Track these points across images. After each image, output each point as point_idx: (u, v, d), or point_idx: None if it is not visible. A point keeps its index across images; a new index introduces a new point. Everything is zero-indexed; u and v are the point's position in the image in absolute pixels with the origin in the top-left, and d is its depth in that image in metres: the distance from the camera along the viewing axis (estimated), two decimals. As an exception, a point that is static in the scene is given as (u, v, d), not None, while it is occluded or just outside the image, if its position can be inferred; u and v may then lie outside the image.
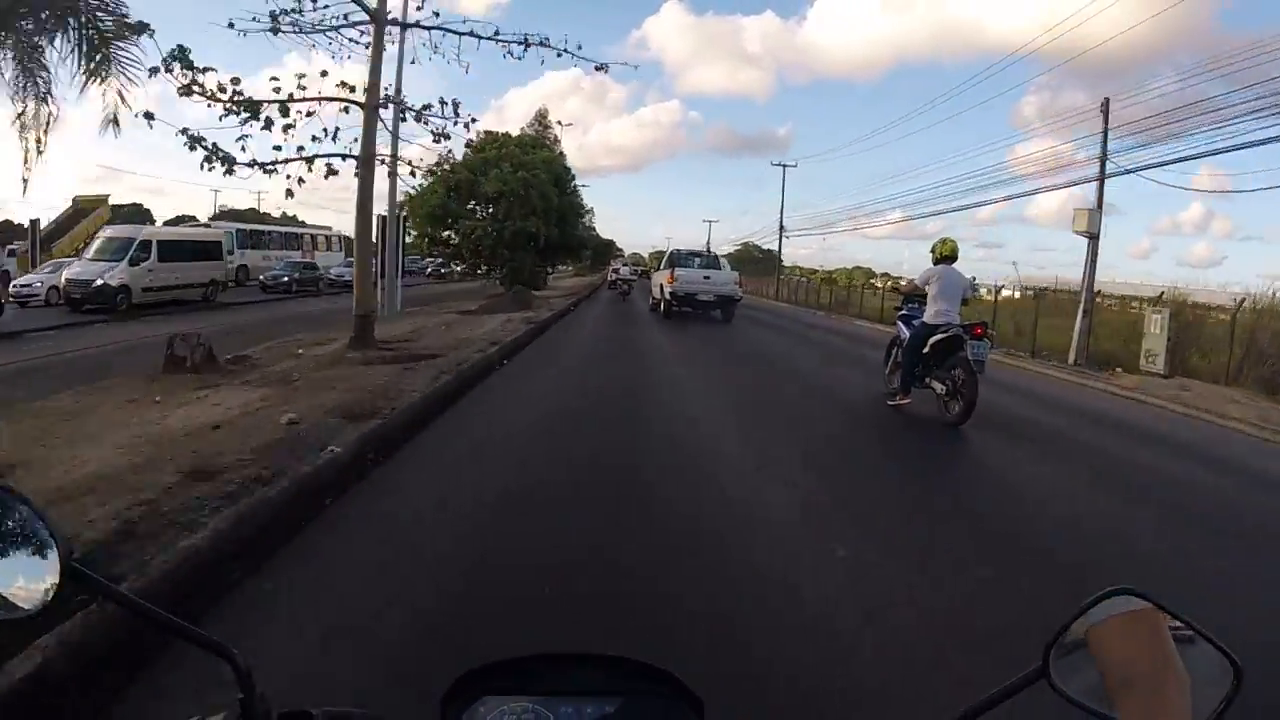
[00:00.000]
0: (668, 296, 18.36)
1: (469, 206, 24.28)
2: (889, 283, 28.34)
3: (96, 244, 18.85)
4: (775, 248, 60.45)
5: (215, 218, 38.01)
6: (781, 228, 45.87)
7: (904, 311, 8.11)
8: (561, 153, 30.49)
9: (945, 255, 7.46)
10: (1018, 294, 25.92)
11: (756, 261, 62.64)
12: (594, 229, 53.25)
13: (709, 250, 23.08)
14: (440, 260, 32.64)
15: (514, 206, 23.01)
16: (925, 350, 7.17)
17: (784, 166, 45.23)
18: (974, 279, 8.27)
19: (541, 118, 40.29)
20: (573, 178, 29.82)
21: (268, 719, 0.59)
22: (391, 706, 2.01)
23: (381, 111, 9.09)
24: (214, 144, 8.19)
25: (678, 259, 19.15)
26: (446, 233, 24.49)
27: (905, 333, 7.74)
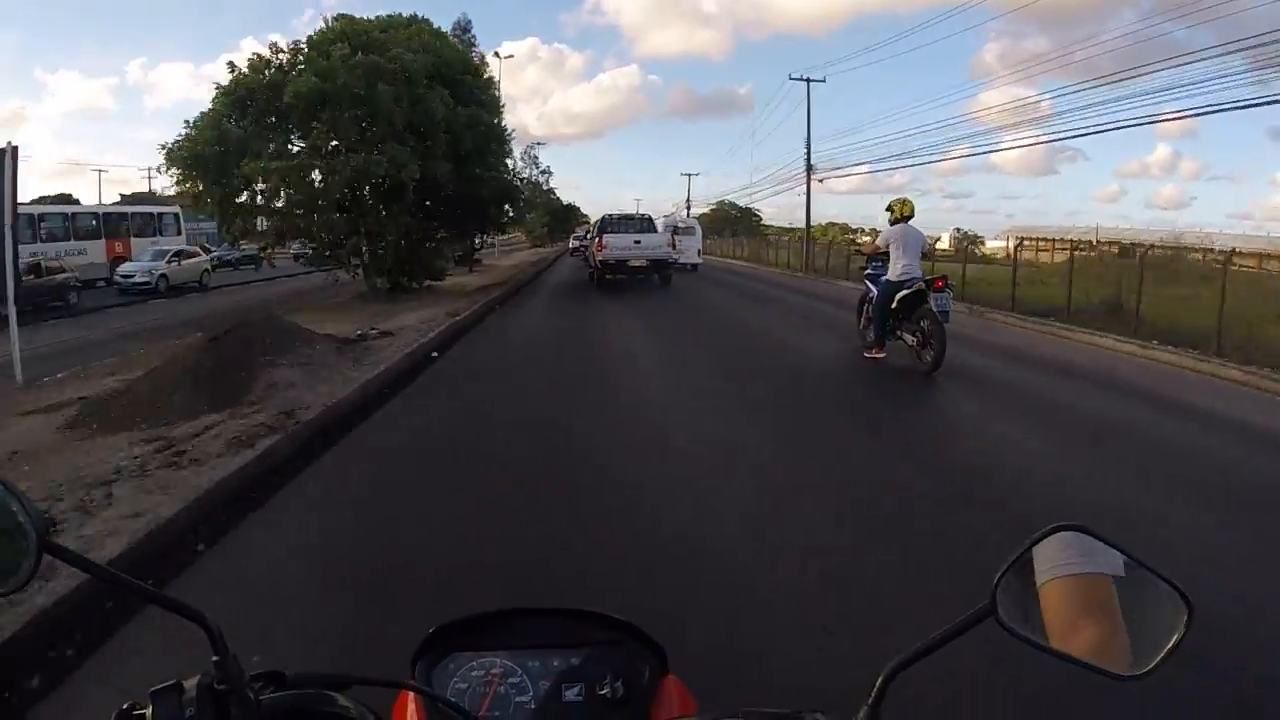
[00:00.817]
0: (598, 264, 17.84)
1: (283, 139, 14.26)
2: (852, 244, 28.50)
3: None
4: (751, 206, 60.36)
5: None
6: (810, 167, 32.30)
7: (869, 271, 8.83)
8: (493, 82, 18.75)
9: (905, 215, 8.06)
10: (1011, 244, 26.20)
11: (733, 220, 61.57)
12: (553, 191, 50.05)
13: (644, 213, 20.81)
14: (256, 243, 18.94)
15: (351, 126, 13.07)
16: (893, 305, 7.77)
17: (808, 81, 32.14)
18: (935, 239, 9.73)
19: (463, 30, 30.84)
20: (488, 80, 18.28)
21: (240, 680, 0.61)
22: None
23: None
24: None
25: (607, 224, 18.36)
26: (245, 191, 14.14)
27: (873, 290, 8.34)
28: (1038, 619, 0.65)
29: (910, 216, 8.09)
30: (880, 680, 0.65)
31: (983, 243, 48.64)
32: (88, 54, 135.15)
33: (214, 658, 0.61)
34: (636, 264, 17.44)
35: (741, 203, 61.43)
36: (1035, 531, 0.66)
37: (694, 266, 25.16)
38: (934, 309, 7.42)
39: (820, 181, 32.47)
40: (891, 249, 7.93)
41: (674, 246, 21.69)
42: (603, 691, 0.85)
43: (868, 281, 8.73)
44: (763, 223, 62.55)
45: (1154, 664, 0.62)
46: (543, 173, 49.50)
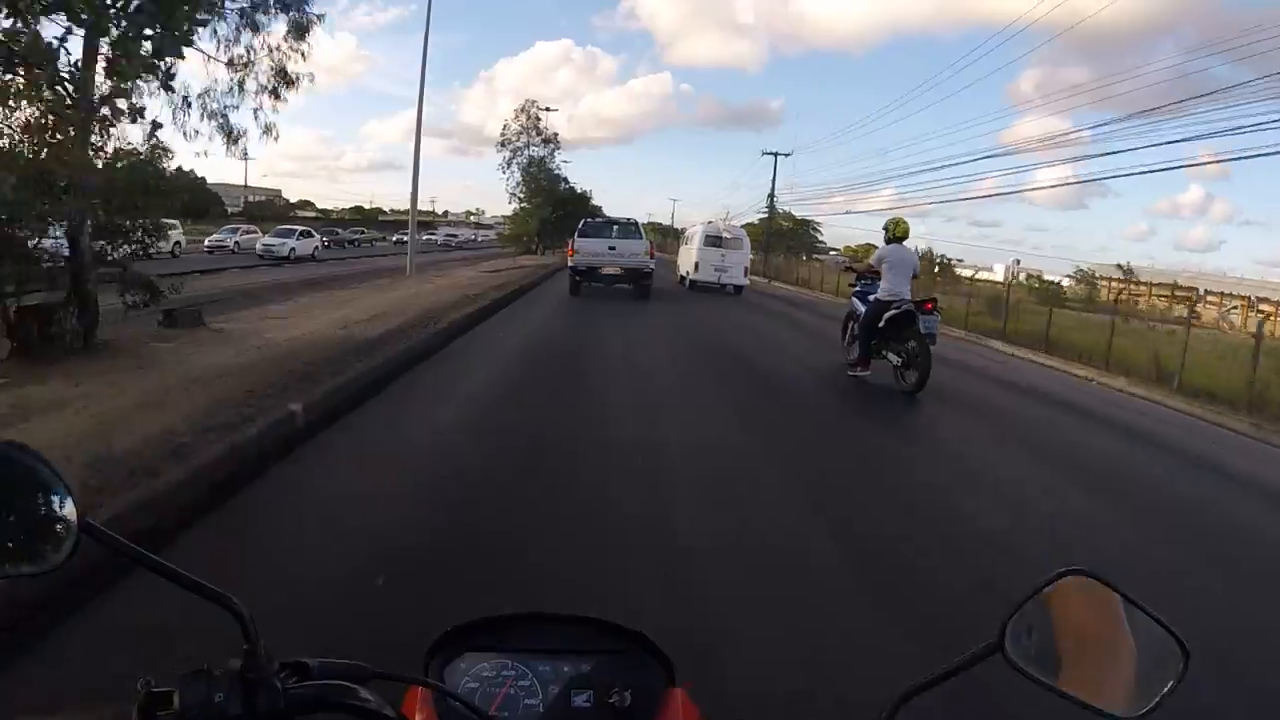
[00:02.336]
0: (569, 269, 17.35)
1: None
2: (843, 264, 28.73)
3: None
4: (805, 216, 54.73)
5: None
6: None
7: (857, 288, 9.07)
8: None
9: (898, 235, 8.24)
10: (1023, 278, 25.85)
11: (782, 235, 52.63)
12: (564, 177, 41.90)
13: (628, 219, 19.47)
14: None
15: None
16: (881, 325, 7.94)
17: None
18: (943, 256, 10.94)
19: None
20: None
21: (269, 668, 0.63)
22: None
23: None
24: None
25: (586, 229, 17.61)
26: None
27: (860, 308, 8.58)
28: (1042, 657, 0.68)
29: (904, 237, 8.26)
30: (891, 706, 0.68)
31: (1042, 279, 44.67)
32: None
33: (244, 645, 0.63)
34: (609, 272, 16.85)
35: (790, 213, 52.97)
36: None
37: (738, 289, 22.09)
38: (921, 331, 7.68)
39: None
40: (883, 268, 8.11)
41: (719, 262, 22.13)
42: (611, 699, 0.88)
43: (854, 299, 9.03)
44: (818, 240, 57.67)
45: (1150, 706, 0.66)
46: (547, 143, 40.41)
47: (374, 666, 0.68)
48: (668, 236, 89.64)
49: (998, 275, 44.97)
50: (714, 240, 22.41)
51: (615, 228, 18.21)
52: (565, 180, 40.85)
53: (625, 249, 17.08)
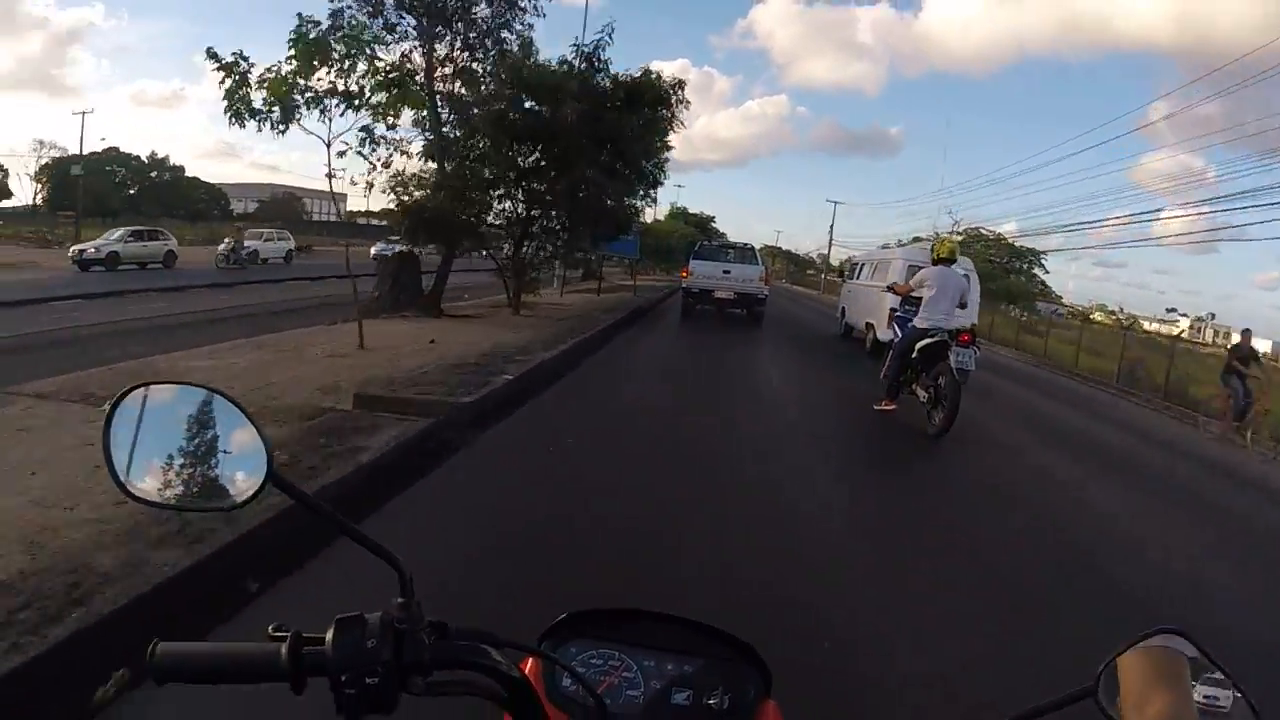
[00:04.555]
0: (682, 291, 17.82)
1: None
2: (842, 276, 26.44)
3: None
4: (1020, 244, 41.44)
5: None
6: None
7: (899, 313, 8.51)
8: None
9: (943, 257, 7.62)
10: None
11: (994, 270, 37.37)
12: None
13: (745, 243, 19.73)
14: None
15: None
16: (914, 355, 7.34)
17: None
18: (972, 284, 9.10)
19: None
20: None
21: (419, 623, 0.70)
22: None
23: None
24: None
25: (701, 251, 18.17)
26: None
27: (899, 334, 8.02)
28: (1129, 708, 0.72)
29: (950, 260, 7.65)
30: None
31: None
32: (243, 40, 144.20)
33: (399, 599, 0.70)
34: (722, 295, 17.08)
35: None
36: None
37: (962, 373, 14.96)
38: (953, 365, 7.08)
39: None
40: (925, 292, 7.48)
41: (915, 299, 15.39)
42: (710, 701, 0.94)
43: (894, 325, 8.45)
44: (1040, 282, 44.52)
45: None
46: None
47: (504, 636, 0.74)
48: (796, 264, 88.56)
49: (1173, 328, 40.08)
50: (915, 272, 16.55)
51: (731, 251, 18.49)
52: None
53: (740, 274, 17.27)
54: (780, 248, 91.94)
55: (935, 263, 7.65)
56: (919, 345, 7.29)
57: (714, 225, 58.55)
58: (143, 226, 28.12)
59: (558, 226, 15.64)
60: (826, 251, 61.31)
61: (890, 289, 9.54)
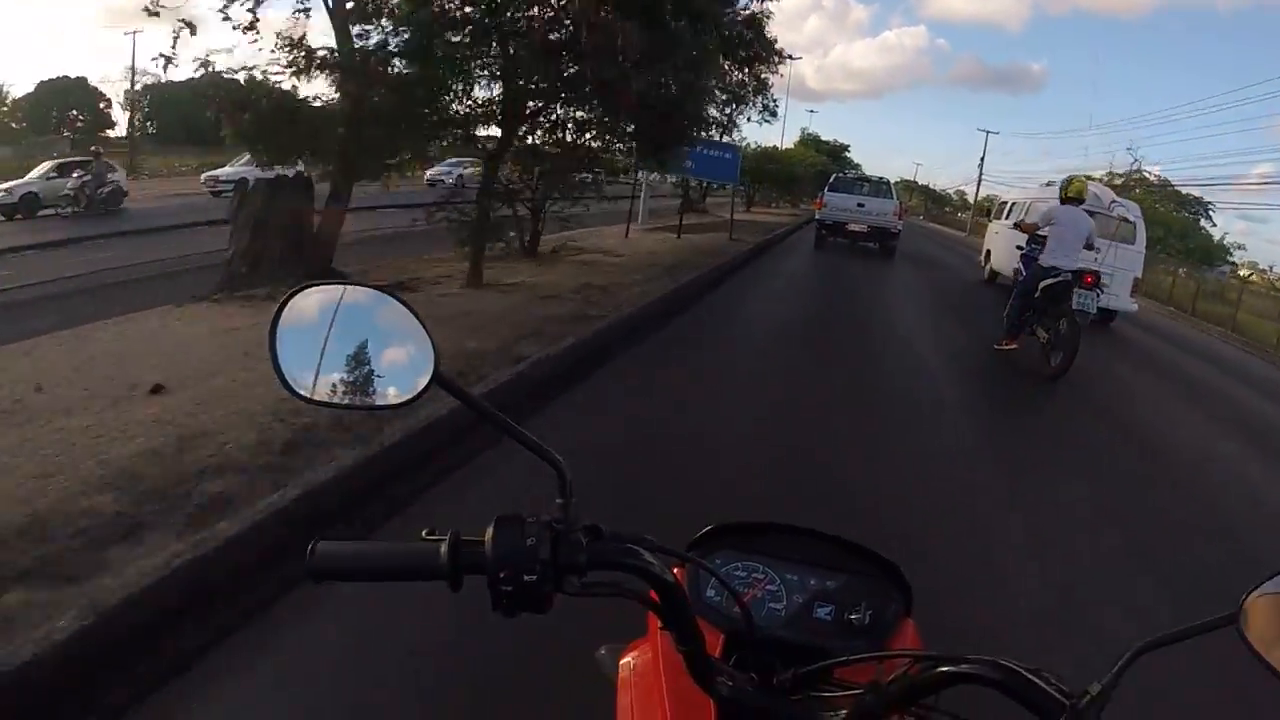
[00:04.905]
0: (817, 223, 18.17)
1: None
2: (988, 215, 24.68)
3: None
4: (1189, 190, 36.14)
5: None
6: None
7: (1025, 251, 8.39)
8: None
9: (1071, 196, 7.55)
10: None
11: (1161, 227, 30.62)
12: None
13: (880, 178, 19.89)
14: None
15: None
16: (1036, 295, 7.31)
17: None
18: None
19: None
20: None
21: (576, 524, 0.72)
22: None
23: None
24: None
25: (836, 184, 18.25)
26: None
27: (1024, 272, 7.92)
28: (1271, 637, 0.71)
29: (1078, 199, 7.58)
30: (1126, 657, 0.69)
31: None
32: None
33: (559, 500, 0.72)
34: (855, 228, 17.26)
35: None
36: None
37: (1106, 317, 11.82)
38: (1074, 307, 6.98)
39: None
40: (1050, 230, 7.41)
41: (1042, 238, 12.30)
42: (851, 617, 0.95)
43: (1020, 262, 8.44)
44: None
45: None
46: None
47: (655, 540, 0.75)
48: (934, 201, 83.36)
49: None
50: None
51: (866, 185, 18.66)
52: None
53: (874, 207, 17.39)
54: (917, 183, 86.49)
55: (1064, 201, 7.57)
56: (1042, 285, 7.24)
57: (848, 155, 55.96)
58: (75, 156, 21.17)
59: (563, 127, 9.72)
60: (976, 187, 55.71)
61: (1017, 226, 9.55)
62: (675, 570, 0.91)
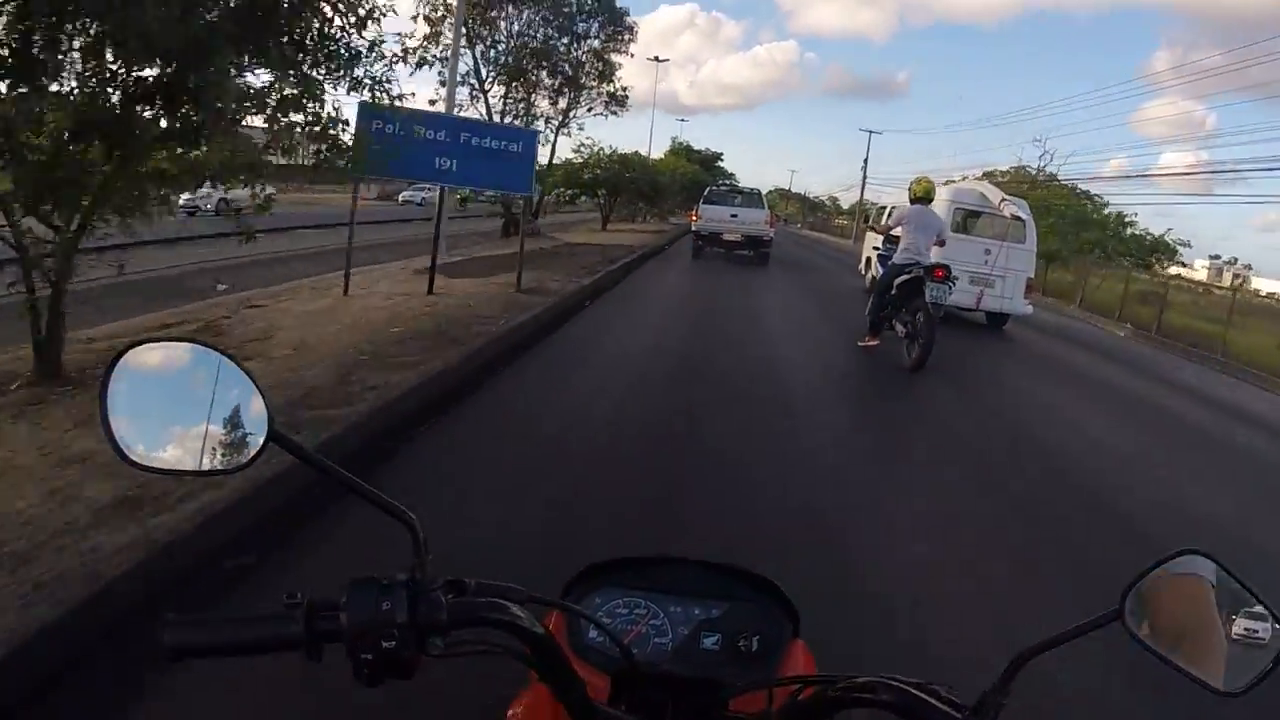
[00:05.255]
0: (693, 235, 18.88)
1: None
2: (838, 219, 27.23)
3: None
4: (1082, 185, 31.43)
5: None
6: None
7: (882, 251, 8.71)
8: None
9: (919, 196, 8.03)
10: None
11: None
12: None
13: (752, 188, 20.90)
14: None
15: None
16: (892, 292, 7.64)
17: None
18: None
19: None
20: None
21: (434, 582, 0.68)
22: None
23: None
24: None
25: (711, 196, 19.01)
26: None
27: (882, 271, 8.35)
28: (1155, 629, 0.75)
29: (925, 199, 8.01)
30: (1010, 664, 0.71)
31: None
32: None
33: (414, 558, 0.68)
34: (730, 238, 17.95)
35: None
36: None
37: (997, 321, 11.99)
38: (928, 300, 7.23)
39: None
40: (902, 230, 7.82)
41: (985, 267, 11.08)
42: (739, 644, 0.94)
43: (877, 262, 8.85)
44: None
45: (1248, 685, 0.71)
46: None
47: (525, 590, 0.72)
48: (811, 208, 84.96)
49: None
50: (971, 219, 11.60)
51: (739, 196, 19.38)
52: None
53: (747, 217, 18.13)
54: (792, 190, 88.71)
55: (913, 201, 8.03)
56: (897, 281, 7.58)
57: (721, 164, 56.04)
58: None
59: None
60: (860, 191, 54.48)
61: (871, 228, 9.87)
62: (555, 615, 0.90)
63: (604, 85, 20.04)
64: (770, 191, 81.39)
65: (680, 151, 50.19)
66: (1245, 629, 0.72)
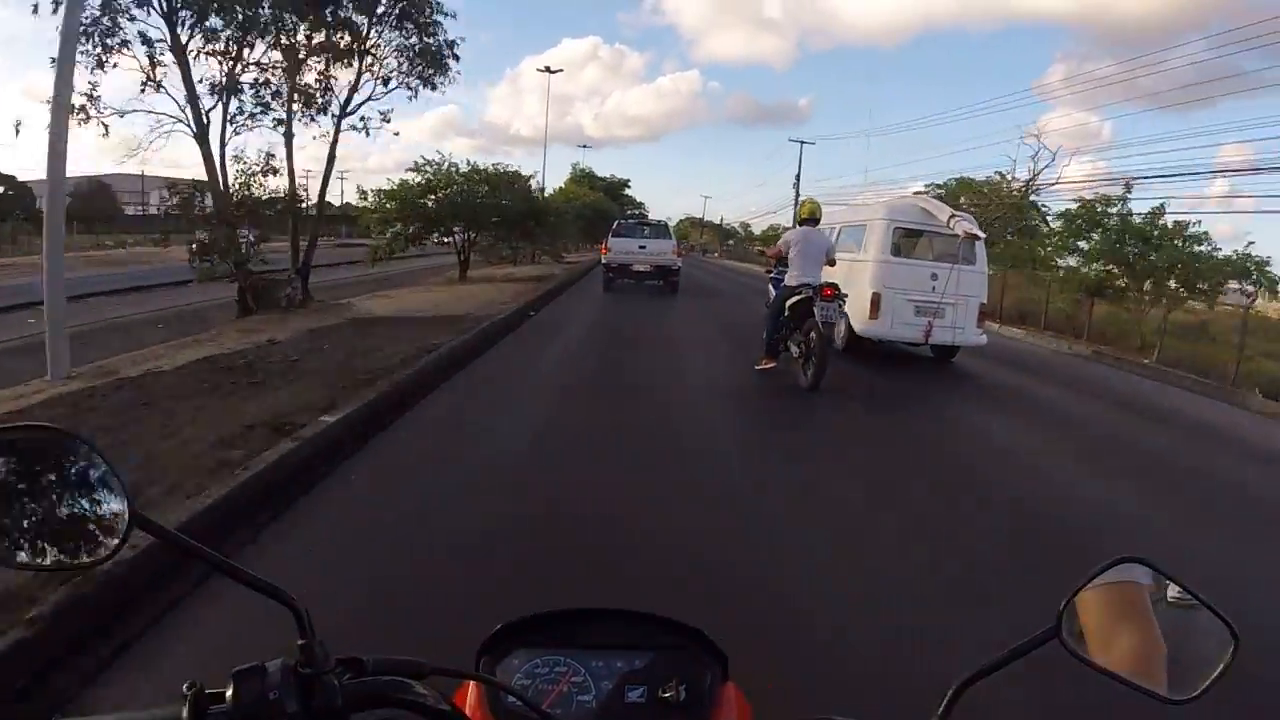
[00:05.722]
0: (603, 266, 19.26)
1: None
2: (757, 246, 26.70)
3: None
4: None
5: None
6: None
7: (774, 274, 8.84)
8: None
9: (804, 218, 8.14)
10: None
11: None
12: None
13: (658, 220, 22.24)
14: None
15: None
16: (785, 314, 7.71)
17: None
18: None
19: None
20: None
21: (325, 664, 0.64)
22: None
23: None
24: None
25: (619, 229, 19.60)
26: None
27: (774, 294, 8.39)
28: (1097, 642, 0.73)
29: (814, 220, 8.12)
30: (949, 694, 0.70)
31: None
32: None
33: (300, 641, 0.64)
34: (640, 268, 18.51)
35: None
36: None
37: (947, 354, 10.71)
38: (819, 319, 7.30)
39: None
40: (790, 253, 7.88)
41: (931, 294, 9.58)
42: (666, 695, 0.90)
43: (770, 286, 8.82)
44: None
45: (1201, 690, 0.70)
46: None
47: (430, 662, 0.69)
48: (726, 236, 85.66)
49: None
50: (910, 239, 10.18)
51: (647, 228, 20.12)
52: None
53: (655, 248, 18.80)
54: (705, 219, 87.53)
55: (799, 224, 8.11)
56: (788, 303, 7.65)
57: (628, 193, 54.95)
58: None
59: None
60: (794, 208, 51.98)
61: (761, 254, 10.02)
62: (469, 685, 0.86)
63: (413, 36, 12.64)
64: (682, 220, 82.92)
65: (582, 179, 47.96)
66: (1187, 631, 0.72)
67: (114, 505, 0.65)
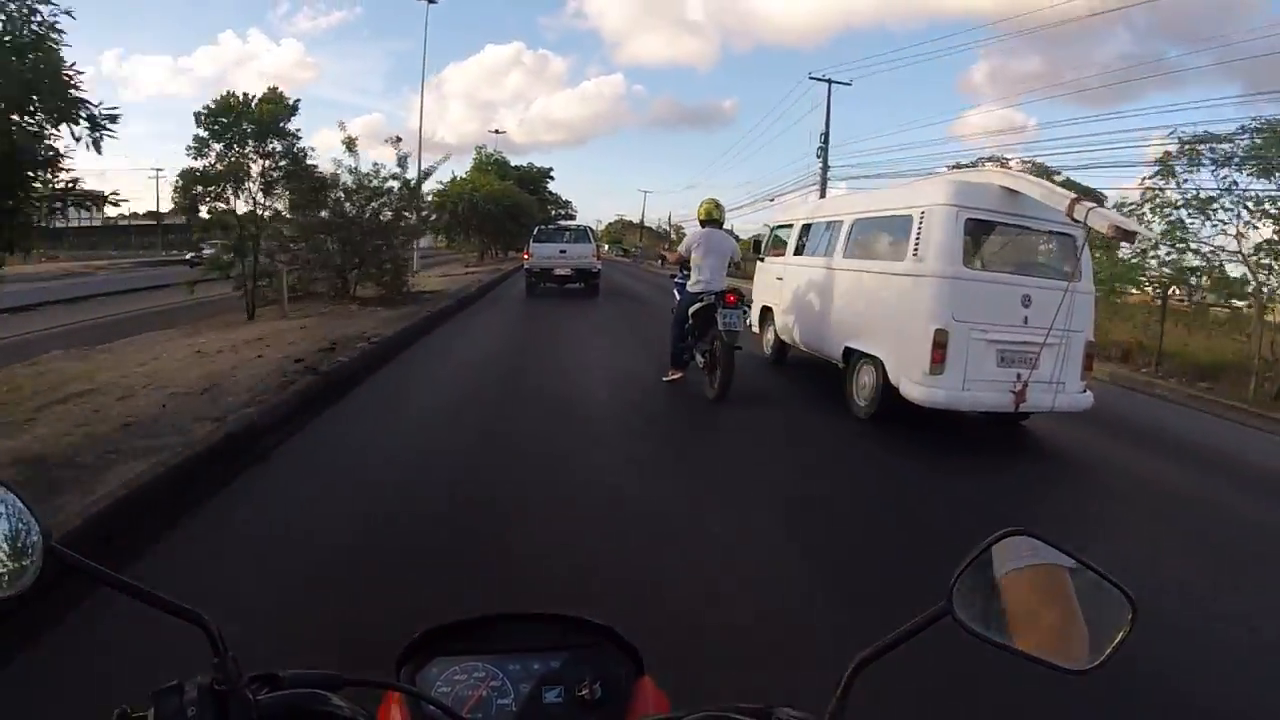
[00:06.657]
0: (525, 272, 19.81)
1: None
2: (658, 250, 26.39)
3: None
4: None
5: None
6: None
7: (678, 279, 8.41)
8: None
9: (704, 219, 7.55)
10: None
11: None
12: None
13: (582, 225, 22.36)
14: None
15: None
16: (689, 322, 7.30)
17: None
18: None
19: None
20: None
21: (239, 680, 0.66)
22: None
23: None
24: None
25: (540, 235, 20.31)
26: None
27: (677, 301, 7.87)
28: (994, 615, 0.73)
29: (716, 221, 7.63)
30: (846, 675, 0.72)
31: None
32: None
33: (214, 659, 0.66)
34: (561, 272, 19.09)
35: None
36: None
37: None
38: (721, 327, 6.94)
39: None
40: (693, 256, 7.32)
41: (1020, 329, 5.75)
42: (581, 693, 0.93)
43: (675, 292, 8.46)
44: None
45: (1102, 659, 0.71)
46: None
47: (346, 674, 0.71)
48: (658, 239, 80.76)
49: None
50: (988, 237, 6.63)
51: (568, 233, 20.94)
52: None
53: (576, 252, 19.45)
54: (640, 222, 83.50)
55: (702, 225, 7.56)
56: (691, 310, 7.27)
57: (550, 188, 49.75)
58: None
59: None
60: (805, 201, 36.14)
61: (661, 259, 9.67)
62: (389, 694, 0.88)
63: None
64: (614, 222, 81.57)
65: (490, 166, 39.74)
66: (1082, 596, 0.73)
67: (26, 538, 0.66)
